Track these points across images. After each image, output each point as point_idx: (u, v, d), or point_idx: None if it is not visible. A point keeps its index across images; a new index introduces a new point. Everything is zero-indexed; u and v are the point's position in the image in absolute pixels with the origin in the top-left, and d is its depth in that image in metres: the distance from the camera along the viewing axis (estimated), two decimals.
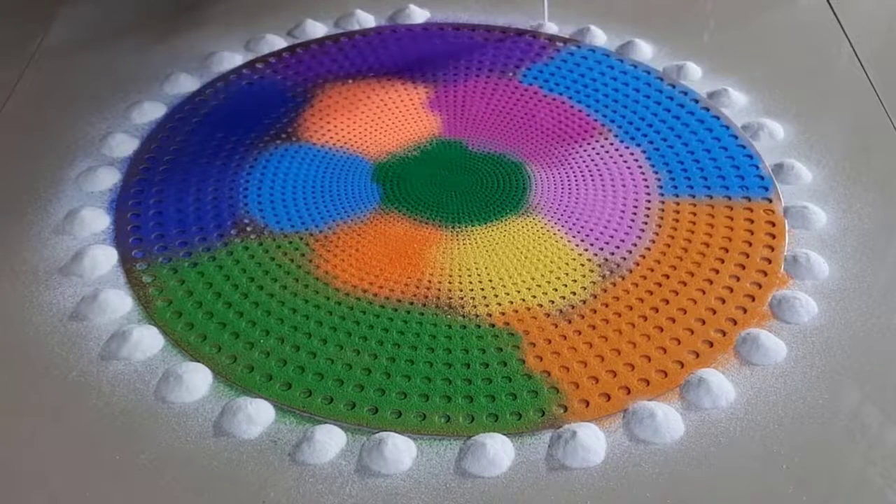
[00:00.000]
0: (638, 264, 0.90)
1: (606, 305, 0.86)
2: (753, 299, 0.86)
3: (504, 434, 0.74)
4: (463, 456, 0.72)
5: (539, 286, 0.87)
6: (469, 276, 0.89)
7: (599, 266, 0.90)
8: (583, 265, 0.90)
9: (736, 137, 1.06)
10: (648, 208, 0.97)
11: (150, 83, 1.13)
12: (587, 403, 0.77)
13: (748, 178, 1.00)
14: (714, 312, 0.85)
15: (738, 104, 1.11)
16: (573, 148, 1.05)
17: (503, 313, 0.85)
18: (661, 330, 0.83)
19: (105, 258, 0.89)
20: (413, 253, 0.91)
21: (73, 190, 0.98)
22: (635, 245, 0.92)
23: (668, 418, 0.74)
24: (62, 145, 1.04)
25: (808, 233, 0.94)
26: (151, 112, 1.09)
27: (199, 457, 0.72)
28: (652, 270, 0.89)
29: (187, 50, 1.19)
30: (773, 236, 0.93)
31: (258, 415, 0.74)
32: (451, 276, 0.89)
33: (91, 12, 1.27)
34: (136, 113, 1.08)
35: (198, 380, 0.77)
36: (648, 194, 0.99)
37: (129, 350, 0.80)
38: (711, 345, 0.82)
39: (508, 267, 0.90)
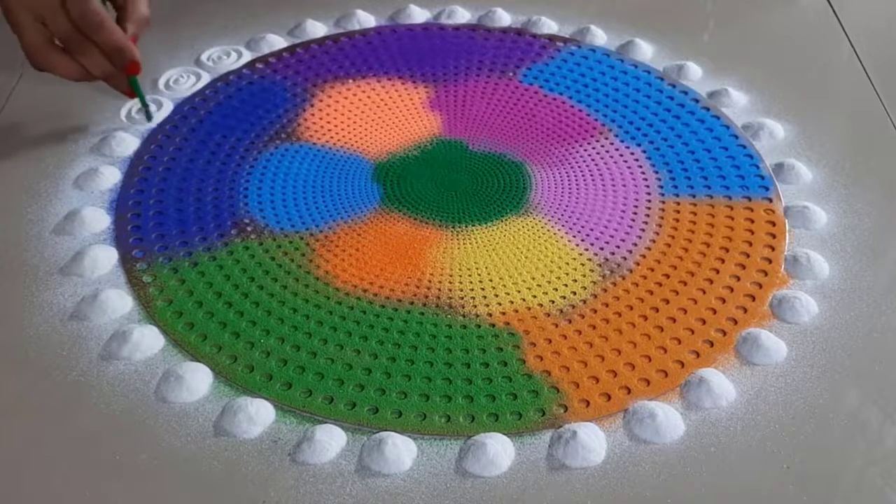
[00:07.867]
0: (638, 264, 0.90)
1: (607, 305, 0.86)
2: (754, 299, 0.86)
3: (504, 434, 0.74)
4: (463, 456, 0.72)
5: (539, 286, 0.87)
6: (469, 275, 0.89)
7: (600, 266, 0.90)
8: (583, 265, 0.90)
9: (736, 137, 1.06)
10: (649, 208, 0.97)
11: (150, 83, 1.13)
12: (587, 403, 0.77)
13: (748, 178, 1.00)
14: (714, 312, 0.85)
15: (738, 104, 1.11)
16: (573, 148, 1.05)
17: (503, 313, 0.85)
18: (662, 330, 0.83)
19: (105, 258, 0.89)
20: (413, 253, 0.91)
21: (73, 190, 0.98)
22: (635, 245, 0.92)
23: (668, 418, 0.74)
24: (62, 145, 1.04)
25: (809, 233, 0.94)
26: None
27: (199, 457, 0.72)
28: (652, 270, 0.89)
29: (187, 50, 1.20)
30: (774, 236, 0.93)
31: (258, 415, 0.74)
32: (451, 275, 0.89)
33: None
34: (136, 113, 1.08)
35: (198, 380, 0.77)
36: (649, 194, 0.99)
37: (129, 350, 0.80)
38: (712, 344, 0.82)
39: (508, 267, 0.89)
